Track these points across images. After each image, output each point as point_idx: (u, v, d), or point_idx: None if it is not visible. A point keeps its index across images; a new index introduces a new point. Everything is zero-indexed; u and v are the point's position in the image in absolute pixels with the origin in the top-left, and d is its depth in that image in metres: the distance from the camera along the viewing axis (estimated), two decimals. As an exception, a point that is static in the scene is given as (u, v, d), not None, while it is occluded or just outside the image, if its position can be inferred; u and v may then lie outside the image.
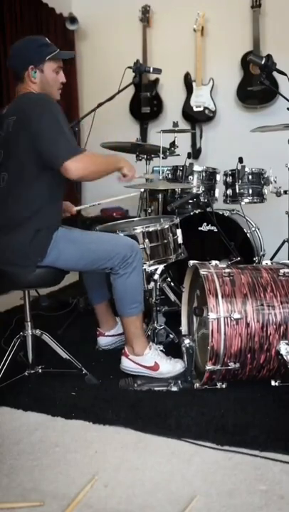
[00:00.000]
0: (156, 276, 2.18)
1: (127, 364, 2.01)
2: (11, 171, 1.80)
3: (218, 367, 1.76)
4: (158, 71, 2.71)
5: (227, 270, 1.85)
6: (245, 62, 3.90)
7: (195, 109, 4.13)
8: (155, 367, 1.97)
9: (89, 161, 1.75)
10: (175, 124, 2.83)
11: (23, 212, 1.79)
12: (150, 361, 1.98)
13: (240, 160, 2.77)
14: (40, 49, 1.86)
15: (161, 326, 2.27)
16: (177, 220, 2.25)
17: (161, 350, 2.10)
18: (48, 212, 1.83)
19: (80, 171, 1.71)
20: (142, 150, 3.04)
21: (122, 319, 2.02)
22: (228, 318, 1.74)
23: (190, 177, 2.77)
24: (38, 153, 1.73)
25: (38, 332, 1.95)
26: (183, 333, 2.16)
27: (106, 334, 2.31)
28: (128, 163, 1.98)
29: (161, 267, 2.15)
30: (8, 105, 1.90)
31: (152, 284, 2.21)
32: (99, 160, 1.85)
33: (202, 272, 1.84)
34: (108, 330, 2.31)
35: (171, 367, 1.97)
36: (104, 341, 2.32)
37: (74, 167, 1.69)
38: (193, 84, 4.13)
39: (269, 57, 2.30)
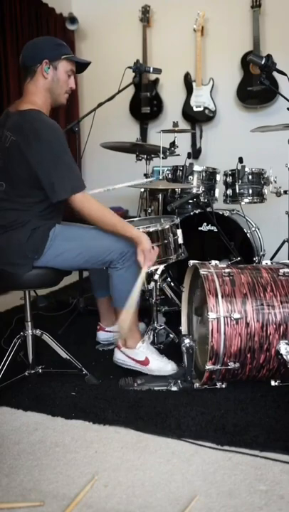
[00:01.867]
0: (156, 277, 2.18)
1: (118, 356, 2.04)
2: (9, 181, 1.80)
3: (218, 367, 1.76)
4: (158, 71, 2.71)
5: (227, 270, 1.85)
6: (245, 62, 3.90)
7: (195, 109, 4.13)
8: (145, 362, 1.98)
9: (95, 206, 1.80)
10: (175, 124, 2.83)
11: (22, 216, 1.80)
12: (141, 356, 1.99)
13: (240, 160, 2.77)
14: (57, 47, 1.87)
15: (161, 326, 2.27)
16: (177, 220, 2.25)
17: (158, 348, 2.10)
18: (47, 214, 1.84)
19: (84, 207, 1.77)
20: (142, 150, 3.04)
21: (116, 312, 2.02)
22: (228, 318, 1.74)
23: (190, 177, 2.77)
24: (36, 175, 1.74)
25: (38, 332, 1.95)
26: (183, 333, 2.16)
27: (106, 329, 2.32)
28: (147, 242, 1.87)
29: (161, 267, 2.15)
30: (14, 105, 1.86)
31: (152, 284, 2.21)
32: (106, 211, 1.85)
33: (202, 271, 1.84)
34: (109, 325, 2.32)
35: (161, 365, 1.98)
36: (103, 336, 2.33)
37: (80, 202, 1.76)
38: (193, 84, 4.14)
39: (269, 57, 2.30)
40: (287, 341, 1.75)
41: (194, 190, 2.72)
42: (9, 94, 3.70)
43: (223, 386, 1.84)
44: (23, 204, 1.80)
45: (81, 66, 1.99)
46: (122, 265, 1.90)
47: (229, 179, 2.87)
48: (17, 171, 1.76)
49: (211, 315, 1.73)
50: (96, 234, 1.94)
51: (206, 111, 4.11)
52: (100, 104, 2.65)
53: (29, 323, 1.95)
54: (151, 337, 2.25)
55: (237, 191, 2.79)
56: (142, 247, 1.84)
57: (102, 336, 2.33)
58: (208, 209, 2.73)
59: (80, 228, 1.98)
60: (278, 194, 2.79)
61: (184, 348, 1.89)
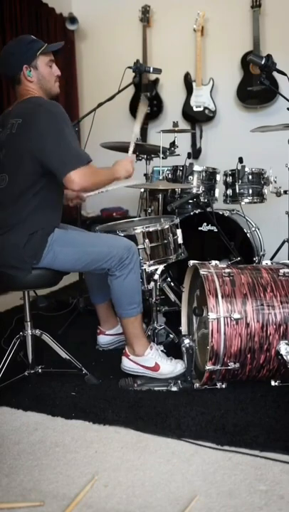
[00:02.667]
0: (156, 276, 2.18)
1: (127, 364, 2.01)
2: (11, 172, 1.80)
3: (218, 367, 1.76)
4: (158, 71, 2.71)
5: (227, 270, 1.85)
6: (245, 62, 3.90)
7: (195, 109, 4.13)
8: (156, 367, 1.97)
9: (92, 174, 1.76)
10: (175, 124, 2.83)
11: (20, 213, 1.79)
12: (151, 362, 1.97)
13: (240, 160, 2.77)
14: (29, 46, 1.85)
15: (161, 326, 2.27)
16: (177, 220, 2.25)
17: (162, 351, 2.10)
18: (45, 214, 1.83)
19: (82, 182, 1.71)
20: (142, 150, 3.04)
21: (120, 320, 2.02)
22: (228, 318, 1.74)
23: (190, 177, 2.77)
24: (40, 159, 1.73)
25: (38, 332, 1.95)
26: (183, 333, 2.16)
27: (106, 333, 2.32)
28: (122, 168, 1.98)
29: (161, 267, 2.15)
30: (14, 104, 1.88)
31: (152, 284, 2.21)
32: (101, 173, 1.86)
33: (202, 272, 1.84)
34: (109, 329, 2.32)
35: (172, 367, 1.97)
36: (104, 340, 2.32)
37: (78, 178, 1.70)
38: (193, 84, 4.13)
39: (269, 57, 2.30)
40: (287, 341, 1.75)
41: (194, 190, 2.72)
42: (9, 94, 3.69)
43: (223, 386, 1.84)
44: (23, 199, 1.78)
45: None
46: (121, 272, 1.89)
47: (229, 179, 2.86)
48: (23, 157, 1.75)
49: (211, 315, 1.73)
50: (95, 240, 1.94)
51: (206, 111, 4.11)
52: (99, 104, 2.65)
53: (29, 323, 1.95)
54: (151, 337, 2.25)
55: (237, 191, 2.79)
56: (124, 175, 1.96)
57: (102, 339, 2.33)
58: (208, 209, 2.73)
59: (79, 233, 1.98)
60: (278, 194, 2.79)
61: (183, 348, 1.89)
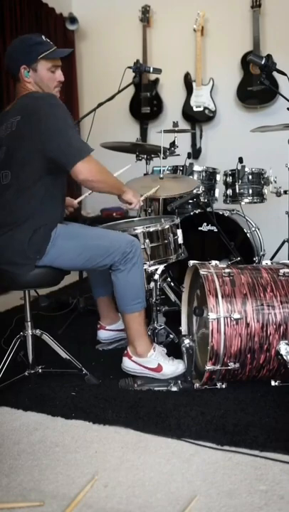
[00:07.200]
0: (156, 276, 2.18)
1: (129, 365, 1.99)
2: (14, 169, 1.79)
3: (218, 367, 1.76)
4: (158, 71, 2.71)
5: (227, 270, 1.85)
6: (245, 62, 3.90)
7: (195, 109, 4.13)
8: (158, 368, 1.96)
9: (99, 170, 1.79)
10: (175, 124, 2.83)
11: (24, 209, 1.78)
12: (154, 363, 1.96)
13: (240, 160, 2.77)
14: (31, 48, 1.83)
15: (161, 326, 2.27)
16: (177, 220, 2.25)
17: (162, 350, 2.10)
18: (48, 210, 1.83)
19: (88, 172, 1.73)
20: (142, 150, 3.04)
21: (124, 317, 1.99)
22: (228, 318, 1.74)
23: (190, 177, 2.77)
24: (44, 153, 1.73)
25: (38, 332, 1.95)
26: (183, 333, 2.16)
27: (107, 328, 2.32)
28: (132, 190, 2.02)
29: (161, 267, 2.15)
30: (11, 104, 1.88)
31: (152, 284, 2.21)
32: (108, 175, 1.88)
33: (202, 272, 1.84)
34: (109, 324, 2.32)
35: (174, 368, 1.96)
36: (104, 335, 2.32)
37: (85, 169, 1.72)
38: (193, 84, 4.14)
39: (269, 57, 2.30)
40: (287, 341, 1.75)
41: (194, 190, 2.72)
42: (9, 94, 3.69)
43: (223, 386, 1.84)
44: (26, 196, 1.78)
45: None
46: (124, 266, 1.89)
47: (229, 179, 2.87)
48: (24, 154, 1.75)
49: (211, 315, 1.73)
50: (98, 234, 1.94)
51: (206, 111, 4.11)
52: (99, 104, 2.65)
53: (29, 323, 1.94)
54: (151, 337, 2.25)
55: (237, 191, 2.79)
56: (132, 195, 2.00)
57: (103, 334, 2.33)
58: (208, 209, 2.73)
59: (82, 228, 1.98)
60: (278, 194, 2.80)
61: (183, 349, 1.89)
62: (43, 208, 1.81)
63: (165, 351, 2.06)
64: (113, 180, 1.94)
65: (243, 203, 2.80)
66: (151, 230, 2.08)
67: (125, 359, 2.00)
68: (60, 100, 1.78)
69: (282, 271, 1.86)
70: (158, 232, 2.11)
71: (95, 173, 1.76)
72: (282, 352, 1.72)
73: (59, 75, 1.90)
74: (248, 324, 1.74)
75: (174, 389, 1.86)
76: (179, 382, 1.89)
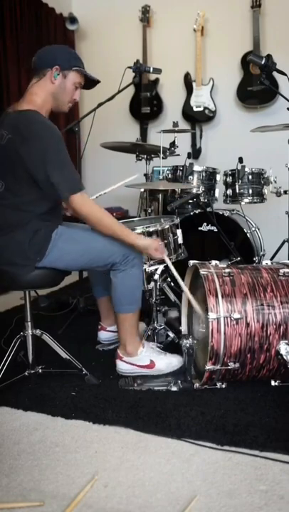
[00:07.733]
0: (156, 277, 2.18)
1: (123, 367, 1.99)
2: (7, 180, 1.79)
3: (218, 367, 1.76)
4: (158, 71, 2.71)
5: (227, 270, 1.85)
6: (245, 62, 3.90)
7: (195, 109, 4.13)
8: (151, 365, 1.97)
9: (94, 208, 1.80)
10: (175, 124, 2.83)
11: (23, 216, 1.79)
12: (145, 360, 1.97)
13: (240, 160, 2.77)
14: (71, 57, 1.88)
15: (161, 326, 2.27)
16: (177, 220, 2.25)
17: (158, 347, 2.10)
18: (48, 214, 1.84)
19: (83, 208, 1.77)
20: (142, 150, 3.04)
21: (117, 316, 1.99)
22: (228, 318, 1.74)
23: (190, 177, 2.78)
24: (38, 178, 1.73)
25: (38, 332, 1.95)
26: (183, 333, 2.16)
27: (108, 329, 2.32)
28: (149, 239, 1.94)
29: (161, 267, 2.15)
30: (10, 107, 1.86)
31: (152, 284, 2.21)
32: (105, 215, 1.84)
33: (202, 271, 1.84)
34: (110, 325, 2.32)
35: (167, 362, 1.97)
36: (105, 336, 2.32)
37: (80, 202, 1.75)
38: (193, 84, 4.14)
39: (269, 57, 2.30)
40: (287, 341, 1.75)
41: (194, 190, 2.72)
42: (9, 93, 3.69)
43: (223, 386, 1.84)
44: (22, 204, 1.79)
45: (89, 83, 1.98)
46: (124, 267, 1.90)
47: (229, 179, 2.87)
48: (14, 168, 1.75)
49: (211, 315, 1.73)
50: (98, 235, 1.94)
51: (206, 111, 4.11)
52: (99, 104, 2.65)
53: (29, 323, 1.94)
54: (151, 337, 2.25)
55: (237, 191, 2.79)
56: (148, 253, 1.92)
57: (103, 335, 2.33)
58: (208, 209, 2.73)
59: (83, 229, 1.98)
60: (278, 194, 2.80)
61: (184, 348, 1.89)
62: (43, 213, 1.81)
63: (156, 345, 2.06)
64: (117, 227, 1.86)
65: (243, 203, 2.80)
66: (151, 230, 2.08)
67: (118, 361, 2.00)
68: (53, 125, 1.77)
69: (282, 271, 1.86)
70: (158, 232, 2.11)
71: (89, 209, 1.78)
72: (282, 352, 1.72)
73: (78, 93, 1.94)
74: (248, 324, 1.74)
75: (174, 389, 1.86)
76: (179, 382, 1.89)
